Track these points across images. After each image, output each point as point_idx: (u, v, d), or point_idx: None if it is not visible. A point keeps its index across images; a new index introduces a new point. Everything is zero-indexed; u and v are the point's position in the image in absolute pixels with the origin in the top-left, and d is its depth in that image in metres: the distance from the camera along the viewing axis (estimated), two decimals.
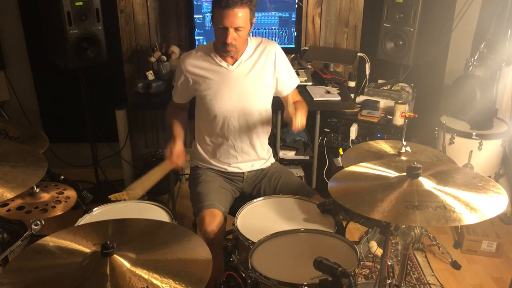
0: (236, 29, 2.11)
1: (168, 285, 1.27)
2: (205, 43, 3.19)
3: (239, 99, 2.27)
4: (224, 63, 2.26)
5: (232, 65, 2.26)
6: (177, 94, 2.40)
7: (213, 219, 2.09)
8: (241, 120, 2.30)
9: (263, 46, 2.31)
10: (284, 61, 2.36)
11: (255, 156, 2.40)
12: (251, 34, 2.29)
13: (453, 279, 2.74)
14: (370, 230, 2.90)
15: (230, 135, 2.32)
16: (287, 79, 2.38)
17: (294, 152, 3.24)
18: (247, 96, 2.27)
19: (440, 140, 3.06)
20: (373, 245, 2.82)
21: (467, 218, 1.44)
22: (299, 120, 2.13)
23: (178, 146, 2.27)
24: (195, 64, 2.28)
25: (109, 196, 2.77)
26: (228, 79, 2.26)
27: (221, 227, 2.11)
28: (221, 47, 2.19)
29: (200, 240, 1.50)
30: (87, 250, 1.39)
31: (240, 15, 2.08)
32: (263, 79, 2.32)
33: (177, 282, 1.28)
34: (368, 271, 2.75)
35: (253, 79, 2.29)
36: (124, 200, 2.19)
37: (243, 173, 2.40)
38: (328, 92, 3.00)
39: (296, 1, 3.14)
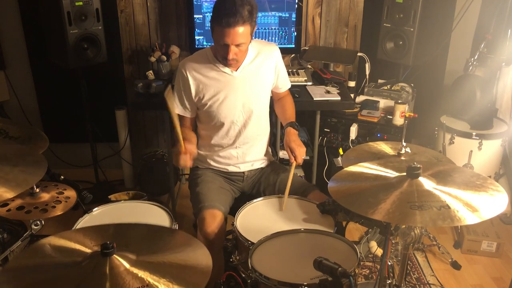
0: (237, 45, 2.09)
1: (167, 287, 1.27)
2: (205, 43, 3.19)
3: (244, 104, 2.27)
4: (227, 69, 2.24)
5: (236, 71, 2.25)
6: (182, 103, 2.30)
7: (214, 220, 2.09)
8: (245, 123, 2.30)
9: (264, 49, 2.31)
10: (282, 63, 2.41)
11: (255, 156, 2.40)
12: None
13: (453, 279, 2.74)
14: (370, 230, 2.90)
15: (235, 139, 2.32)
16: (281, 80, 2.43)
17: None
18: (251, 100, 2.28)
19: (440, 140, 3.06)
20: (373, 245, 2.82)
21: (472, 217, 1.43)
22: (300, 157, 2.24)
23: (193, 147, 2.16)
24: (197, 70, 2.24)
25: (109, 196, 2.77)
26: (233, 85, 2.25)
27: (222, 227, 2.11)
28: (222, 61, 2.18)
29: (201, 245, 1.49)
30: (87, 251, 1.39)
31: (241, 32, 2.04)
32: (265, 82, 2.34)
33: (176, 284, 1.28)
34: (368, 271, 2.75)
35: (257, 83, 2.30)
36: (124, 200, 2.19)
37: (243, 172, 2.40)
38: (328, 92, 3.00)
39: (296, 1, 3.14)
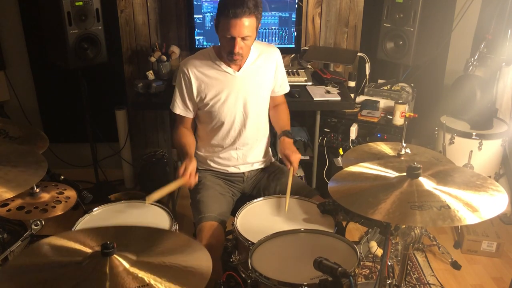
0: (243, 38, 2.10)
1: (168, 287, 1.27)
2: (205, 43, 3.19)
3: (245, 104, 2.27)
4: (229, 69, 2.24)
5: (238, 71, 2.25)
6: (183, 103, 2.30)
7: (211, 232, 2.08)
8: (246, 124, 2.30)
9: (266, 51, 2.32)
10: (282, 67, 2.41)
11: (256, 157, 2.40)
12: None
13: (453, 279, 2.74)
14: (370, 230, 2.90)
15: (235, 139, 2.32)
16: (280, 83, 2.43)
17: None
18: (252, 100, 2.28)
19: (440, 140, 3.06)
20: (373, 245, 2.82)
21: (472, 217, 1.43)
22: (296, 162, 2.25)
23: (193, 165, 2.17)
24: (199, 70, 2.24)
25: (109, 196, 2.77)
26: (235, 85, 2.25)
27: (220, 239, 2.10)
28: (227, 56, 2.17)
29: (201, 247, 1.49)
30: (88, 250, 1.38)
31: (247, 25, 2.06)
32: (265, 84, 2.34)
33: (176, 285, 1.28)
34: (368, 271, 2.75)
35: (258, 83, 2.30)
36: (124, 200, 2.19)
37: (243, 173, 2.40)
38: (328, 92, 3.00)
39: (296, 1, 3.14)
